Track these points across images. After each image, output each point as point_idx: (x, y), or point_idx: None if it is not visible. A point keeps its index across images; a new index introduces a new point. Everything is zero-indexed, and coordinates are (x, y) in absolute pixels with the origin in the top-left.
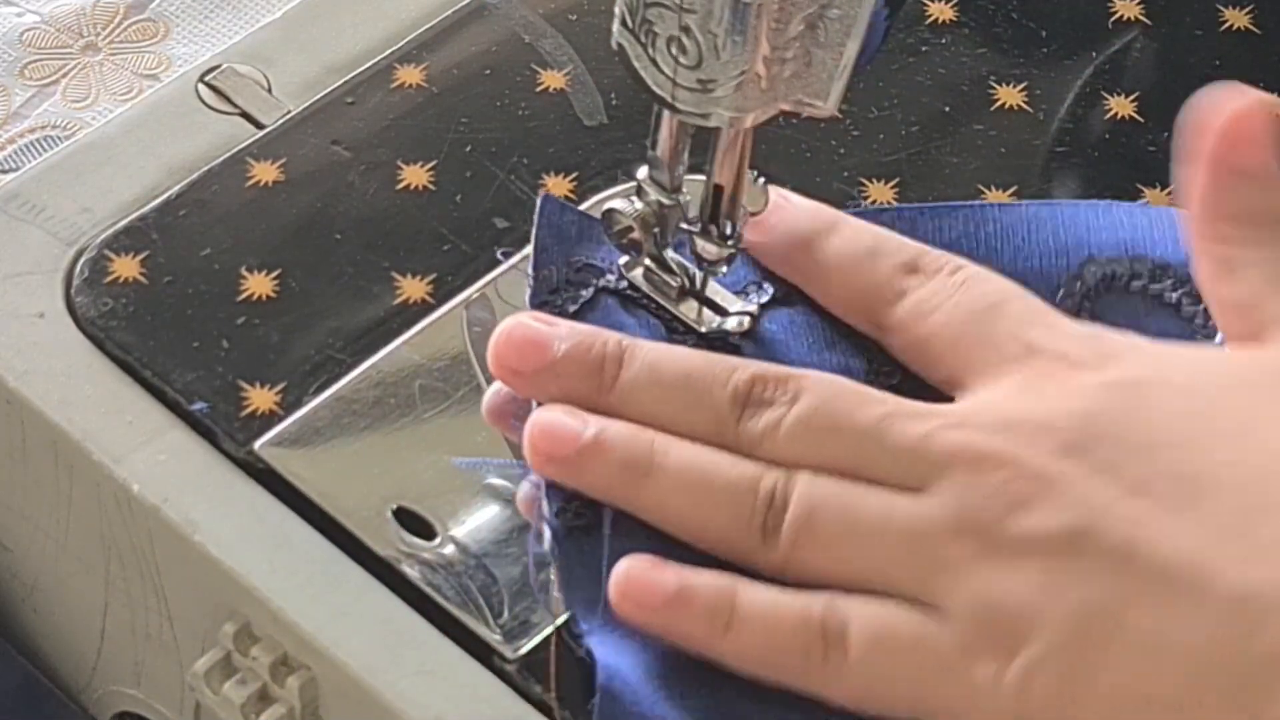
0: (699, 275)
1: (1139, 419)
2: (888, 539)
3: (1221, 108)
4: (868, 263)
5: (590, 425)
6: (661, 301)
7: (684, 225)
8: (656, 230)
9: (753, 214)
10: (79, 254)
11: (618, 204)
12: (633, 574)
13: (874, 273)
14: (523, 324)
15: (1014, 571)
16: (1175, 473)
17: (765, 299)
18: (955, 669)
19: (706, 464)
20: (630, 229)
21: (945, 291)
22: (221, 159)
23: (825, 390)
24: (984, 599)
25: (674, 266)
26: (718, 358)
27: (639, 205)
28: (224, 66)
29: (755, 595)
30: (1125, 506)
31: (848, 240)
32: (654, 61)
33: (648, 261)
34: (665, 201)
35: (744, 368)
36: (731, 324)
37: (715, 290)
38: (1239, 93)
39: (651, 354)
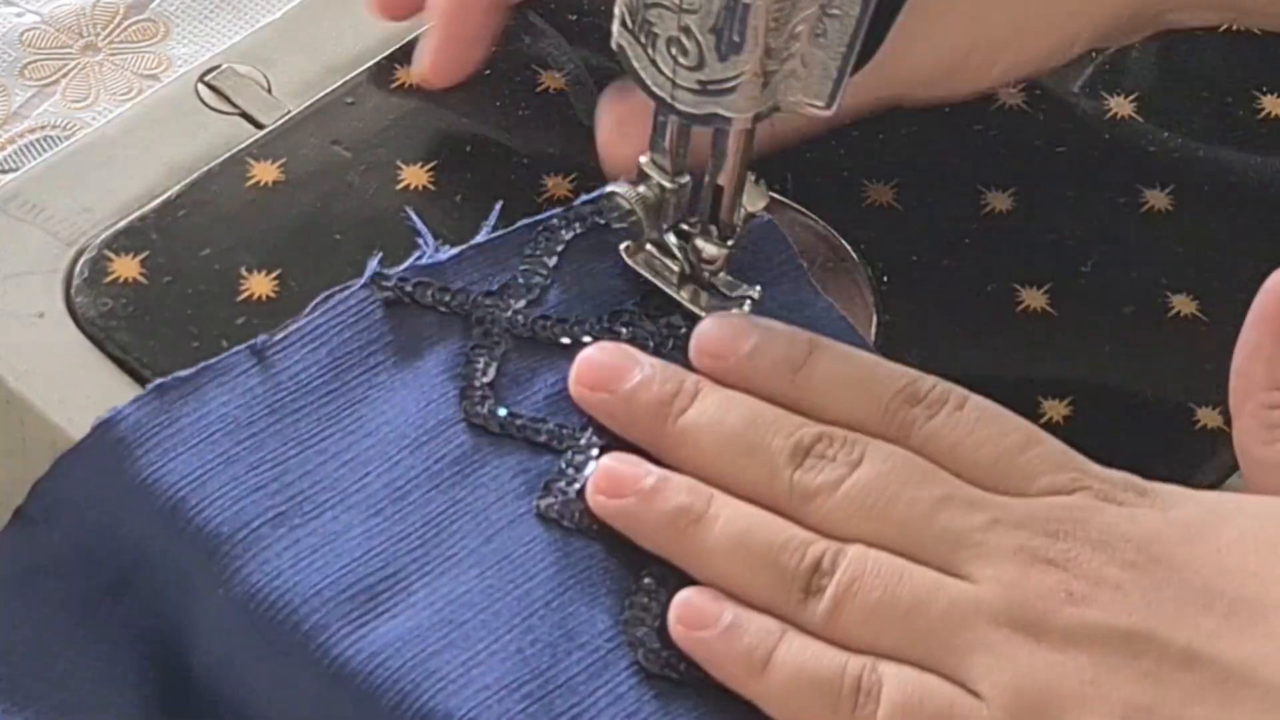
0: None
1: (1198, 549)
2: (931, 614)
3: None
4: (862, 390)
5: (652, 473)
6: (662, 286)
7: (684, 226)
8: (658, 214)
9: (752, 213)
10: (79, 254)
11: (620, 187)
12: (693, 601)
13: (874, 400)
14: (607, 348)
15: (1063, 659)
16: (1236, 595)
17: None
18: None
19: (758, 520)
20: (632, 212)
21: (962, 427)
22: (221, 159)
23: (888, 460)
24: (1027, 682)
25: (675, 250)
26: (784, 413)
27: (641, 189)
28: (224, 66)
29: (799, 643)
30: (1189, 618)
31: (833, 362)
32: (654, 62)
33: (649, 246)
34: (667, 185)
35: (811, 425)
36: (732, 310)
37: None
38: None
39: (722, 396)
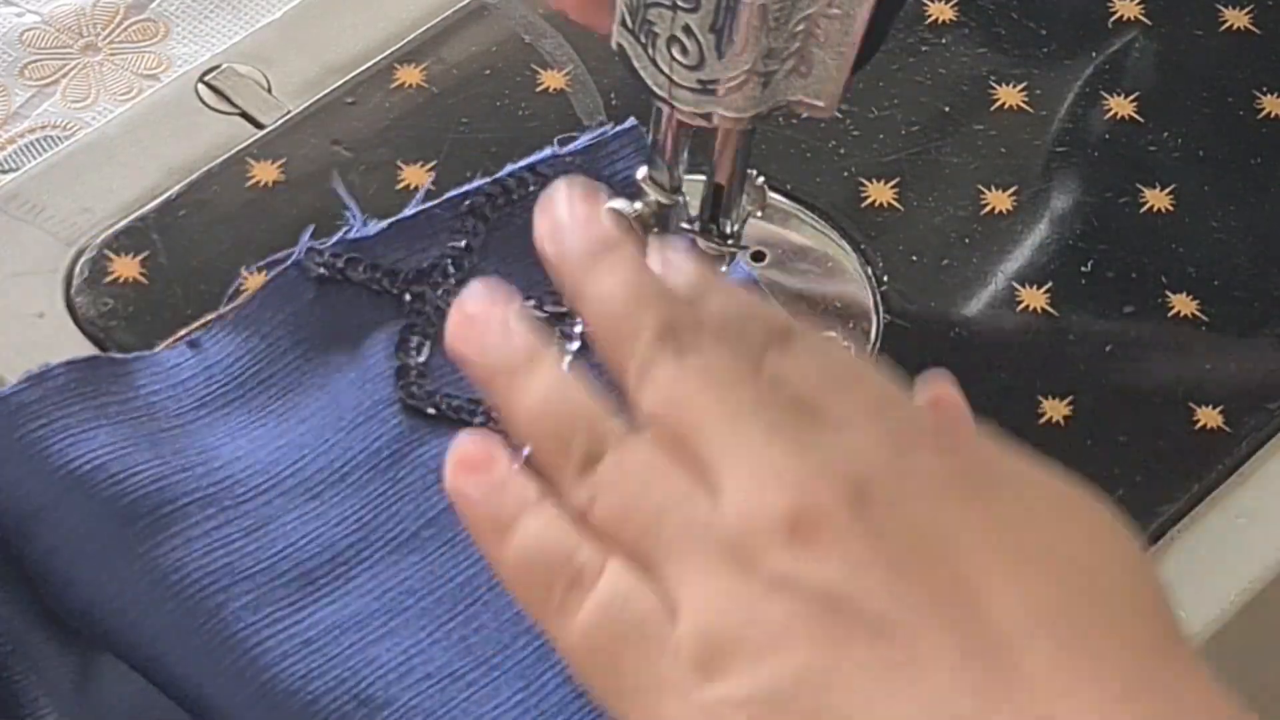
0: None
1: (949, 513)
2: (667, 525)
3: None
4: (737, 326)
5: (509, 327)
6: None
7: (684, 225)
8: (656, 230)
9: (752, 213)
10: (79, 254)
11: (618, 204)
12: (477, 444)
13: (741, 339)
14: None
15: (764, 603)
16: (955, 580)
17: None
18: (658, 665)
19: (566, 393)
20: (630, 229)
21: (804, 356)
22: (221, 159)
23: (730, 361)
24: (721, 618)
25: None
26: (682, 299)
27: (639, 205)
28: (224, 66)
29: (547, 518)
30: (893, 594)
31: (728, 299)
32: (654, 61)
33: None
34: (665, 201)
35: (694, 315)
36: None
37: None
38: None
39: (643, 266)
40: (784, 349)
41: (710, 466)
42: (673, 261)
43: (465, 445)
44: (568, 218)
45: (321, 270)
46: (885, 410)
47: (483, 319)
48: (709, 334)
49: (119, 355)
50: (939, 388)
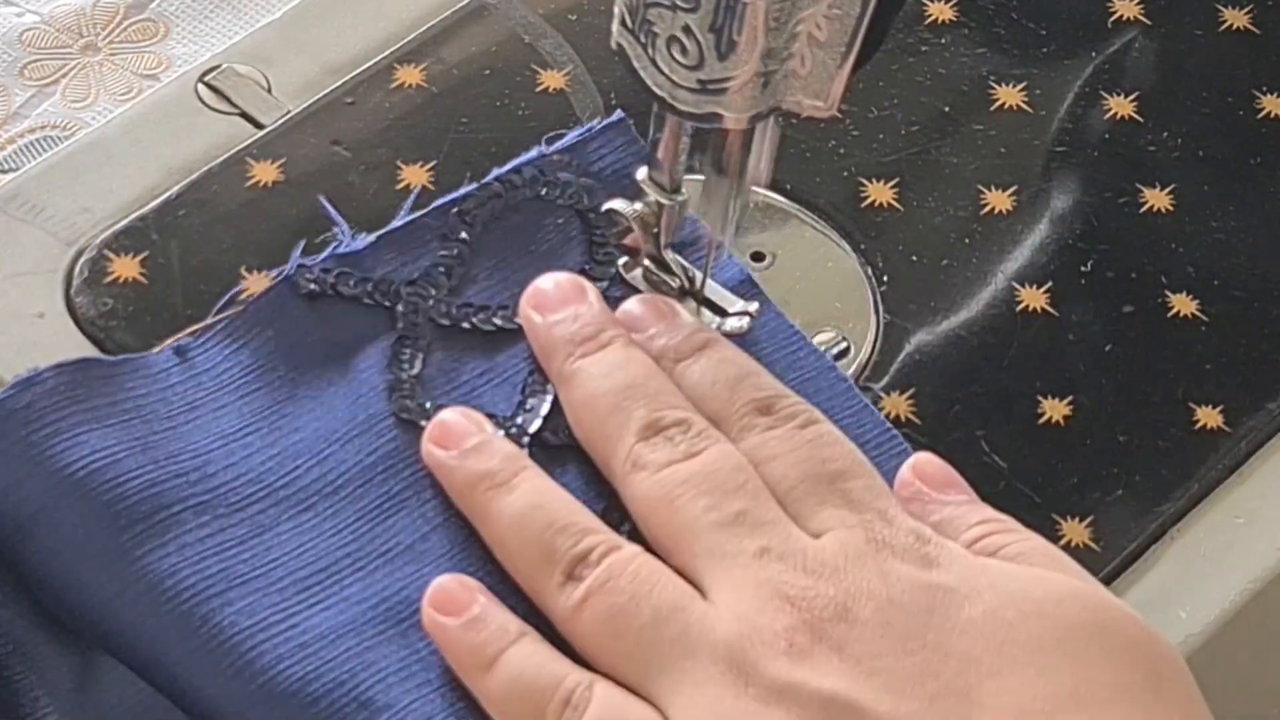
0: (698, 275)
1: (934, 622)
2: (661, 637)
3: None
4: (723, 390)
5: (479, 436)
6: None
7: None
8: (656, 230)
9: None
10: (79, 254)
11: (618, 204)
12: (447, 587)
13: (727, 403)
14: (560, 280)
15: (762, 712)
16: (948, 682)
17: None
18: None
19: (550, 499)
20: (630, 229)
21: (789, 443)
22: (221, 159)
23: (718, 461)
24: None
25: (674, 266)
26: (665, 389)
27: (638, 205)
28: (224, 66)
29: (529, 648)
30: (896, 694)
31: (714, 364)
32: (654, 62)
33: (647, 262)
34: (665, 201)
35: (680, 410)
36: (731, 324)
37: (714, 290)
38: None
39: (622, 356)
40: (767, 430)
41: (702, 577)
42: (655, 319)
43: (441, 585)
44: (552, 290)
45: (312, 286)
46: (869, 520)
47: (460, 429)
48: (695, 428)
49: (107, 358)
50: (920, 458)
